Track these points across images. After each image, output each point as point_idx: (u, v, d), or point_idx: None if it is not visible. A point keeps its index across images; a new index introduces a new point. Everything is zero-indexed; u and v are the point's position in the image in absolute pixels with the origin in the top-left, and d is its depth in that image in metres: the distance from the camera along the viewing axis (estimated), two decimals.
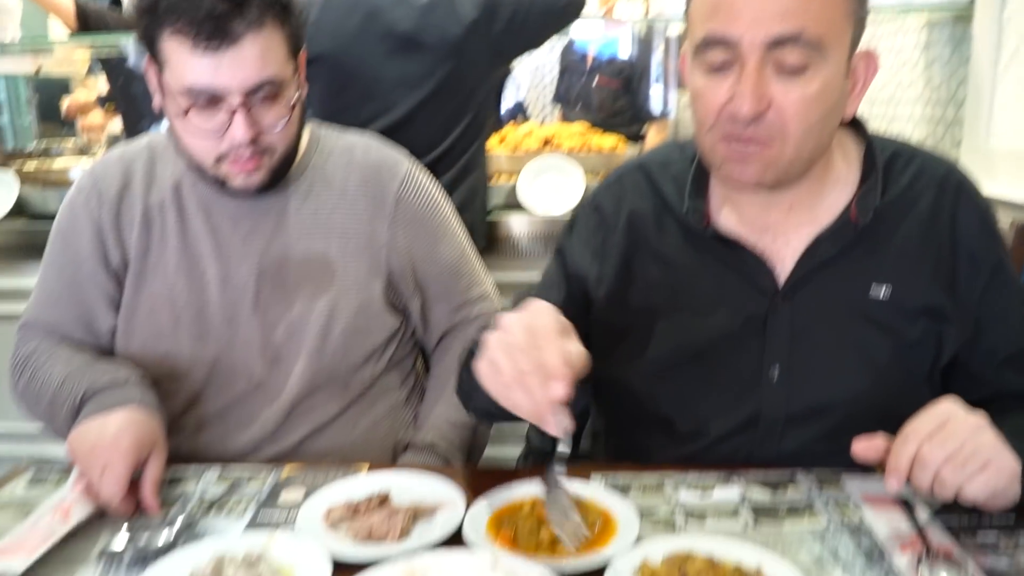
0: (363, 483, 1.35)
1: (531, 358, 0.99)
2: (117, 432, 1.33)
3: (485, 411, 1.35)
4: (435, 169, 2.15)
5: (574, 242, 1.50)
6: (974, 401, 1.17)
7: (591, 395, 1.57)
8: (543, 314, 1.07)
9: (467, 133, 2.52)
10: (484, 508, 1.26)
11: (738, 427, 1.41)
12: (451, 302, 1.75)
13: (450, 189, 2.20)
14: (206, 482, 1.43)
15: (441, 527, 1.22)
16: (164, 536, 1.24)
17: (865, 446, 1.20)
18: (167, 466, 1.49)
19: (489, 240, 2.91)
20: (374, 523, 1.21)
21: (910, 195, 1.35)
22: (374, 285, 1.62)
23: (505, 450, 1.99)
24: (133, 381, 1.45)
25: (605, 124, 4.21)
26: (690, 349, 1.41)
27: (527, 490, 1.30)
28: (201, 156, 1.47)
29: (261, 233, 1.57)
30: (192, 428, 1.60)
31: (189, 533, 1.26)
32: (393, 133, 2.15)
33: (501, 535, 1.19)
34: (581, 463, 1.47)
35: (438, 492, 1.32)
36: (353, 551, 1.16)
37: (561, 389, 0.98)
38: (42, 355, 1.54)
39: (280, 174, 1.55)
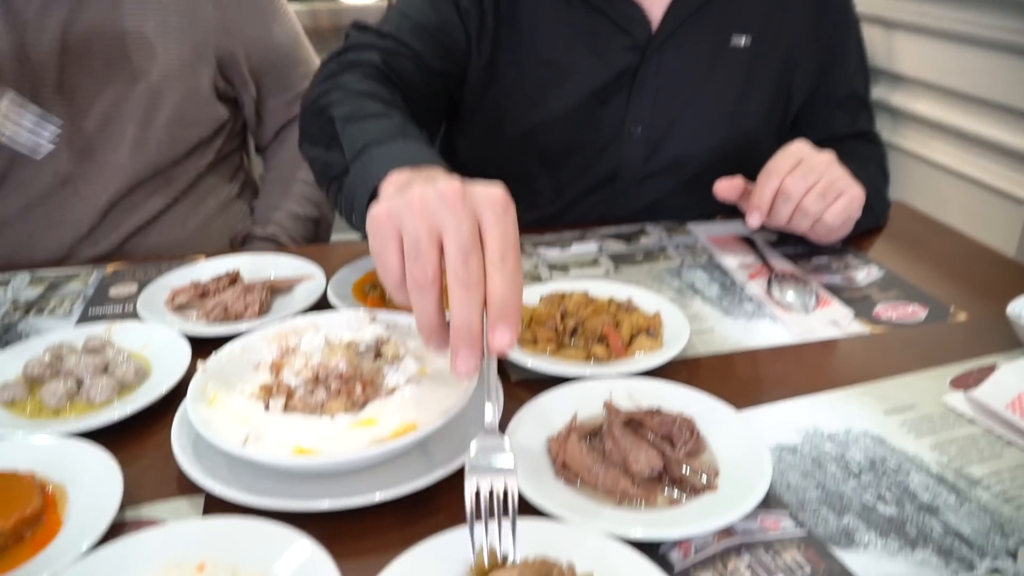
0: (206, 267, 1.24)
1: (476, 269, 0.69)
2: None
3: None
4: None
5: None
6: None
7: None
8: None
9: None
10: (346, 276, 1.20)
11: (596, 184, 1.41)
12: (287, 93, 1.61)
13: None
14: (16, 288, 1.26)
15: (303, 299, 1.15)
16: None
17: (727, 185, 1.24)
18: None
19: None
20: (227, 301, 1.11)
21: None
22: (201, 72, 1.44)
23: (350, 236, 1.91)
24: None
25: None
26: (557, 111, 1.36)
27: None
28: None
29: (61, 3, 1.33)
30: None
31: (8, 336, 1.11)
32: None
33: (369, 300, 1.14)
34: None
35: (293, 267, 1.24)
36: (209, 330, 1.07)
37: (512, 339, 0.69)
38: None
39: None
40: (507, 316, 0.69)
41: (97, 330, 1.06)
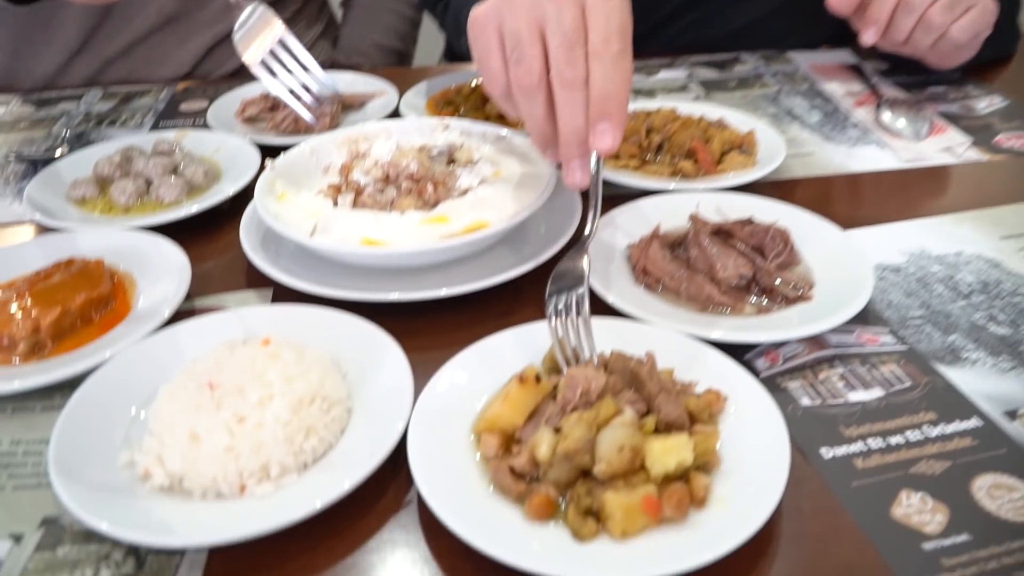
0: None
1: (580, 64, 0.62)
2: None
3: None
4: None
5: None
6: None
7: None
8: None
9: None
10: (420, 91, 1.14)
11: (690, 1, 1.30)
12: None
13: None
14: (88, 102, 1.25)
15: (375, 115, 1.10)
16: (49, 145, 1.08)
17: None
18: (39, 90, 1.30)
19: None
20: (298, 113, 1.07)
21: None
22: None
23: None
24: None
25: None
26: None
27: (462, 76, 1.18)
28: None
29: None
30: (91, 70, 1.36)
31: (80, 142, 1.10)
32: None
33: (443, 114, 1.09)
34: None
35: (366, 84, 1.19)
36: (279, 141, 1.04)
37: (615, 138, 0.63)
38: None
39: None
40: (609, 112, 0.62)
41: (167, 135, 1.04)
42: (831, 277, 0.74)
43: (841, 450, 0.59)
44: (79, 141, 1.11)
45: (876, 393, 0.64)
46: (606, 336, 0.65)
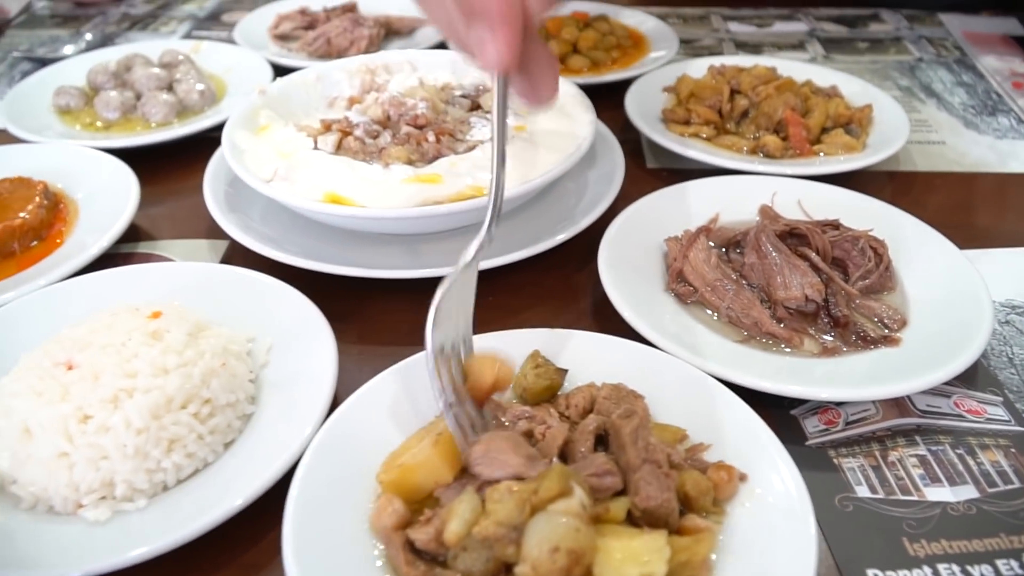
0: None
1: None
2: None
3: None
4: None
5: None
6: None
7: None
8: None
9: None
10: None
11: None
12: None
13: None
14: (129, 2, 1.14)
15: (425, 42, 0.95)
16: (67, 45, 0.98)
17: None
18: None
19: None
20: (331, 33, 0.93)
21: None
22: None
23: None
24: None
25: None
26: None
27: None
28: None
29: None
30: None
31: (104, 46, 0.99)
32: None
33: None
34: None
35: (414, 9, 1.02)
36: (304, 63, 0.89)
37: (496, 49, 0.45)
38: None
39: None
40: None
41: (183, 45, 0.91)
42: (932, 314, 0.55)
43: None
44: (103, 46, 1.00)
45: (966, 493, 0.46)
46: (601, 363, 0.49)
